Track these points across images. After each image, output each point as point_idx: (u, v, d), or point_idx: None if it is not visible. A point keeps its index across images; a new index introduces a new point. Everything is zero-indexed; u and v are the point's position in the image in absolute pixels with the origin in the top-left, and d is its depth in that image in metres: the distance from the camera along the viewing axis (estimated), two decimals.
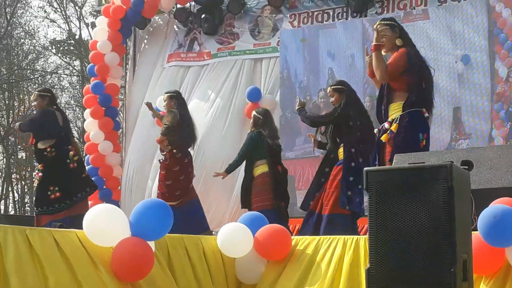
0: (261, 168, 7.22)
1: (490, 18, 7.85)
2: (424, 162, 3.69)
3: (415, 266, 3.03)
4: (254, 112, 7.57)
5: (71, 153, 7.24)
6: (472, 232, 3.42)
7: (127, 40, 11.26)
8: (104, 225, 3.91)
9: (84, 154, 10.92)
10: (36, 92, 7.54)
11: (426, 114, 5.19)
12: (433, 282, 2.99)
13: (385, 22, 5.34)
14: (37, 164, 7.61)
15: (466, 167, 4.20)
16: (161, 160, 7.82)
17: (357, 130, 6.33)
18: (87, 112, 10.58)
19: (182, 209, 7.54)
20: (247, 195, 7.34)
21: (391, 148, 5.09)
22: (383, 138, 5.15)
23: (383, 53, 5.36)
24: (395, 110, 5.19)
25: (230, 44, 10.23)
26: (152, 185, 9.90)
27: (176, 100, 7.85)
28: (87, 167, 8.91)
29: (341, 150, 6.40)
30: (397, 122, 5.10)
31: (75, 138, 8.01)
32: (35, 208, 7.39)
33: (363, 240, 4.48)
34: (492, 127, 7.65)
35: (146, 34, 11.29)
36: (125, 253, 3.86)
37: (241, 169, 9.02)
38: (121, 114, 11.50)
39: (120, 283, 3.90)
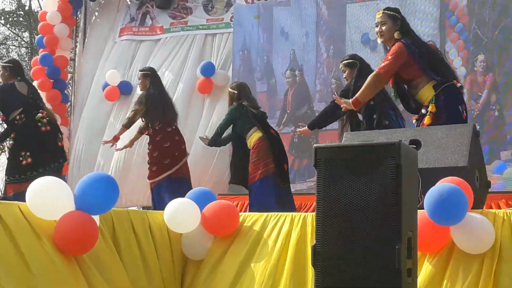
0: (255, 136, 6.90)
1: (442, 0, 7.90)
2: (373, 140, 3.70)
3: (360, 243, 3.04)
4: (228, 89, 7.31)
5: (39, 115, 7.05)
6: (418, 210, 3.44)
7: (78, 12, 11.04)
8: (48, 198, 3.83)
9: None
10: (0, 64, 7.40)
11: (459, 84, 5.10)
12: (378, 258, 3.00)
13: (388, 12, 5.29)
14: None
15: (415, 146, 4.23)
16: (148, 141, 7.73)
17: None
18: (34, 84, 10.36)
19: (176, 180, 7.45)
20: (239, 170, 7.07)
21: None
22: (426, 121, 4.98)
23: (380, 42, 5.33)
24: (427, 94, 5.07)
25: (183, 18, 10.11)
26: (102, 163, 9.79)
27: (150, 79, 7.72)
28: None
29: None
30: (433, 102, 4.99)
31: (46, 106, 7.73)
32: (5, 177, 7.12)
33: (310, 217, 4.48)
34: None
35: (97, 6, 11.09)
36: (68, 227, 3.79)
37: (196, 152, 8.98)
38: (70, 87, 11.30)
39: (64, 257, 3.84)
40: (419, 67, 5.08)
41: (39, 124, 6.99)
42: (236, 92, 7.12)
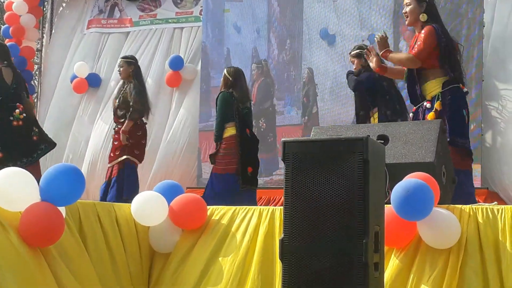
0: (229, 131, 6.75)
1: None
2: (341, 135, 3.72)
3: (328, 236, 3.05)
4: (224, 71, 7.04)
5: (17, 110, 6.84)
6: (386, 205, 3.46)
7: (45, 2, 10.90)
8: (13, 189, 3.79)
9: None
10: None
11: (465, 89, 5.13)
12: (345, 252, 3.02)
13: None
14: None
15: (382, 141, 4.25)
16: (115, 129, 7.57)
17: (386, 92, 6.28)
18: None
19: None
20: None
21: None
22: (430, 117, 4.99)
23: (407, 24, 5.36)
24: (433, 88, 5.09)
25: (152, 11, 10.02)
26: (71, 156, 9.70)
27: (134, 67, 7.56)
28: None
29: (375, 115, 6.30)
30: (440, 99, 5.01)
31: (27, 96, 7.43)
32: None
33: (278, 211, 4.49)
34: None
35: None
36: (33, 218, 3.75)
37: (160, 143, 8.93)
38: (37, 78, 11.17)
39: (30, 248, 3.80)
40: (438, 57, 5.08)
41: (12, 118, 6.82)
42: (231, 79, 6.88)
